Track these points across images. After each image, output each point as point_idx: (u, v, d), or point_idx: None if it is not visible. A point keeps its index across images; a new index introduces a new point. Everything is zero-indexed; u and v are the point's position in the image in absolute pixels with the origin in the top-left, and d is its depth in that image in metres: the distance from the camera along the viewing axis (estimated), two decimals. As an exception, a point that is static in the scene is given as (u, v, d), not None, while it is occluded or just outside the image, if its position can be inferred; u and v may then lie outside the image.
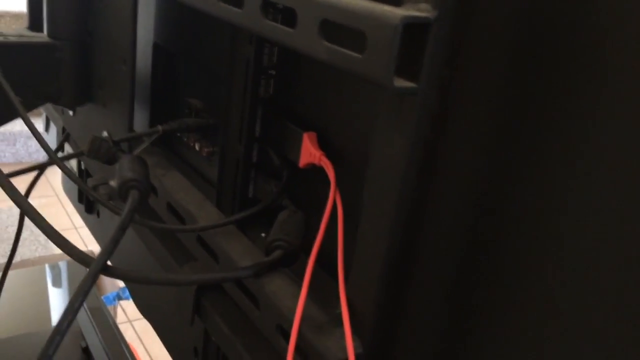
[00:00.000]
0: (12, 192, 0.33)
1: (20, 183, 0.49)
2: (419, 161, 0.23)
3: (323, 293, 0.30)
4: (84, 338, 1.01)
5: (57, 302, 1.32)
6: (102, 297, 1.34)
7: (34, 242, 2.52)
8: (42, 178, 0.93)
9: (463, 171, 0.23)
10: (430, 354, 0.26)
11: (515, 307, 0.22)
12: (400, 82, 0.21)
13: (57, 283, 1.44)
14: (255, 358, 0.33)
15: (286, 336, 0.28)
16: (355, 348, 0.25)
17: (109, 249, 0.29)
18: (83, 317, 1.05)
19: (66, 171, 0.42)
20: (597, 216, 0.19)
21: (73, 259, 0.29)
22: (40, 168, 0.46)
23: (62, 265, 1.43)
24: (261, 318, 0.30)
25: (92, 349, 0.95)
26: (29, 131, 0.41)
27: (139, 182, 0.34)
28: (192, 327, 0.47)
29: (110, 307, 1.43)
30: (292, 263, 0.32)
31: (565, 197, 0.20)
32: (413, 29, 0.20)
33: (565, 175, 0.20)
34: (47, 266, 1.43)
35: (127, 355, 0.93)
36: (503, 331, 0.23)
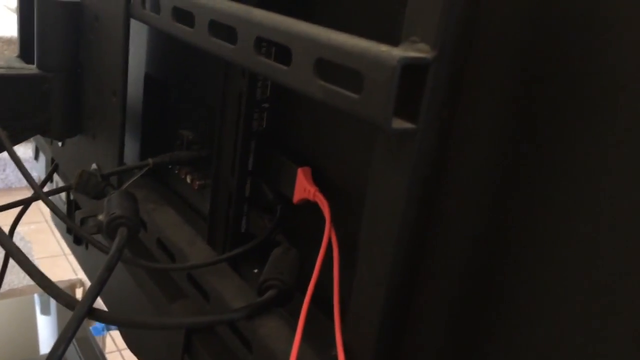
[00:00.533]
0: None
1: (8, 213, 0.48)
2: (418, 202, 0.22)
3: (319, 334, 0.29)
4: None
5: (45, 330, 1.30)
6: (91, 328, 1.32)
7: (22, 270, 2.43)
8: (33, 204, 0.91)
9: (463, 211, 0.23)
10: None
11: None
12: (399, 124, 0.20)
13: (45, 311, 1.42)
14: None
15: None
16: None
17: (95, 291, 0.28)
18: (70, 348, 1.03)
19: (52, 207, 0.41)
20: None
21: (58, 302, 0.28)
22: (26, 202, 0.45)
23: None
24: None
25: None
26: (19, 157, 0.40)
27: (128, 218, 0.33)
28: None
29: (99, 337, 1.40)
30: (286, 303, 0.31)
31: (570, 239, 0.20)
32: (411, 70, 0.20)
33: (568, 221, 0.20)
34: (35, 295, 1.41)
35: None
36: None
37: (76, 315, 0.27)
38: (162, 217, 0.39)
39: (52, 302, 1.40)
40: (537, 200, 0.20)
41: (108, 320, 0.28)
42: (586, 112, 0.19)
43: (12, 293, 1.65)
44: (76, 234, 0.47)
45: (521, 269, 0.21)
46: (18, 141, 0.45)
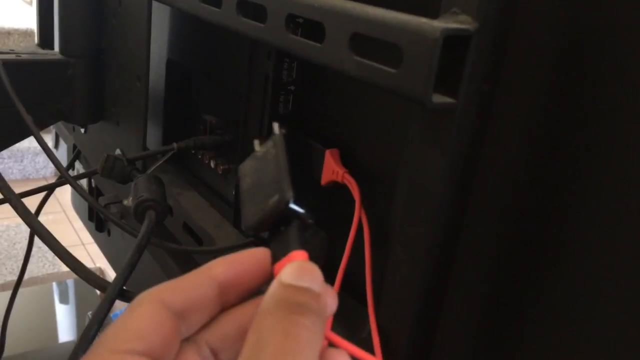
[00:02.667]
0: (25, 214, 0.32)
1: (28, 201, 0.48)
2: (457, 180, 0.22)
3: (348, 316, 0.29)
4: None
5: (64, 319, 1.31)
6: (111, 315, 1.33)
7: (42, 259, 2.51)
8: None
9: (502, 189, 0.22)
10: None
11: (553, 337, 0.21)
12: (439, 98, 0.20)
13: (64, 300, 1.43)
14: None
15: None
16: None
17: (125, 273, 0.28)
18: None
19: (79, 190, 0.41)
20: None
21: (89, 284, 0.28)
22: (52, 187, 0.45)
23: (69, 282, 1.42)
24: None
25: None
26: (36, 148, 0.41)
27: (156, 201, 0.33)
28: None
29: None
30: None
31: (608, 206, 0.19)
32: (452, 42, 0.19)
33: (609, 186, 0.19)
34: (54, 284, 1.42)
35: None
36: None
37: (108, 296, 0.27)
38: (188, 201, 0.38)
39: (71, 291, 1.42)
40: (578, 180, 0.20)
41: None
42: (633, 86, 0.18)
43: (31, 282, 1.67)
44: (105, 217, 0.47)
45: (559, 248, 0.21)
46: (43, 127, 0.45)
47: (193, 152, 0.47)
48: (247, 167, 0.24)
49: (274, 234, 0.21)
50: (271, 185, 0.22)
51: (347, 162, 0.33)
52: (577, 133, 0.20)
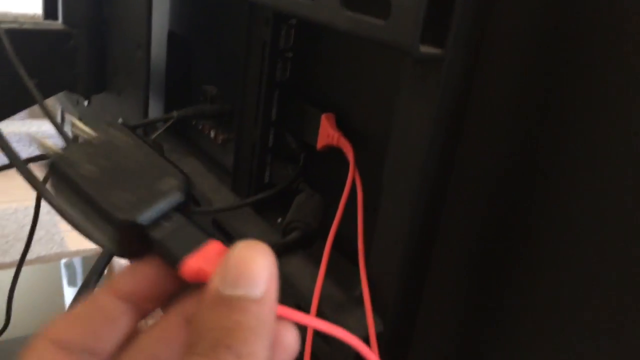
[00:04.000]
0: (29, 177, 0.32)
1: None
2: (444, 133, 0.22)
3: (342, 276, 0.29)
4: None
5: (71, 299, 1.30)
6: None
7: (50, 242, 2.53)
8: None
9: (489, 144, 0.23)
10: (452, 334, 0.26)
11: (542, 291, 0.22)
12: (426, 49, 0.20)
13: (72, 282, 1.43)
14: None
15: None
16: (376, 326, 0.25)
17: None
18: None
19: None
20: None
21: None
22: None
23: (77, 263, 1.42)
24: (280, 299, 0.30)
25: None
26: (45, 132, 0.41)
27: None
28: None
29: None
30: (309, 245, 0.31)
31: (593, 171, 0.20)
32: (439, -7, 0.20)
33: (595, 145, 0.20)
34: (62, 265, 1.42)
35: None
36: (527, 315, 0.22)
37: (106, 251, 0.28)
38: (187, 167, 0.39)
39: (79, 274, 1.43)
40: (569, 134, 0.20)
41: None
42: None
43: (39, 260, 1.68)
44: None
45: (548, 206, 0.21)
46: (46, 96, 0.46)
47: (194, 123, 0.48)
48: (81, 154, 0.20)
49: (155, 230, 0.18)
50: (153, 174, 0.19)
51: (342, 126, 0.34)
52: (567, 87, 0.20)
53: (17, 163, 0.32)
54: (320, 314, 0.26)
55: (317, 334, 0.27)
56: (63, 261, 1.38)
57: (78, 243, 2.06)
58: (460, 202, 0.24)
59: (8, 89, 0.38)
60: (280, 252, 0.30)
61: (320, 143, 0.34)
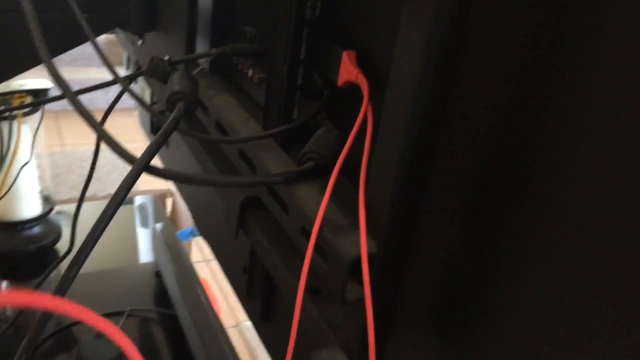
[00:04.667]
0: (78, 106, 0.36)
1: (117, 128, 0.52)
2: (436, 62, 0.23)
3: (348, 202, 0.31)
4: (157, 265, 1.08)
5: (144, 242, 1.35)
6: (178, 233, 1.42)
7: (119, 179, 2.62)
8: (134, 123, 0.99)
9: (484, 77, 0.23)
10: (445, 258, 0.27)
11: (538, 218, 0.22)
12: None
13: (144, 224, 1.49)
14: (290, 268, 0.35)
15: (309, 237, 0.30)
16: (369, 248, 0.27)
17: (152, 149, 0.31)
18: (157, 247, 1.13)
19: (135, 95, 0.45)
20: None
21: (119, 156, 0.32)
22: (106, 85, 0.49)
23: (149, 207, 1.48)
24: (288, 222, 0.32)
25: (163, 273, 1.02)
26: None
27: (186, 94, 0.36)
28: (241, 245, 0.50)
29: (185, 243, 1.51)
30: (322, 176, 0.33)
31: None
32: None
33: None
34: (136, 208, 1.46)
35: (196, 282, 0.99)
36: (524, 245, 0.23)
37: (135, 168, 0.31)
38: (221, 102, 0.41)
39: (150, 216, 1.49)
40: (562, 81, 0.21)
41: (163, 175, 0.31)
42: None
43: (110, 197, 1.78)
44: (158, 121, 0.51)
45: (546, 133, 0.21)
46: (99, 33, 0.49)
47: (235, 62, 0.50)
48: None
49: None
50: None
51: (363, 64, 0.34)
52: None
53: (77, 105, 0.35)
54: (321, 236, 0.28)
55: (317, 252, 0.29)
56: (137, 204, 1.45)
57: (149, 184, 2.17)
58: (457, 133, 0.25)
59: (61, 25, 0.41)
60: (293, 179, 0.32)
61: (341, 79, 0.35)
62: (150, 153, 0.31)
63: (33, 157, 1.08)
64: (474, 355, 0.26)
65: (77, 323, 0.97)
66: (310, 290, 0.34)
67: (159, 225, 1.08)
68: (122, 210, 1.48)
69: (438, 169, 0.26)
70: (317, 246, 0.29)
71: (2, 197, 1.00)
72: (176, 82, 0.36)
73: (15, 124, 0.98)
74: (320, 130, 0.35)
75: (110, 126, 0.47)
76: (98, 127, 0.33)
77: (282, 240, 0.36)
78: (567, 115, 0.20)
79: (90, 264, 1.07)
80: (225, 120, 0.40)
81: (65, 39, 0.44)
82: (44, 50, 0.36)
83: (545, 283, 0.21)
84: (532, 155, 0.22)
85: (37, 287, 0.88)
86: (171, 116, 0.34)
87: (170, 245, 1.02)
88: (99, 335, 0.91)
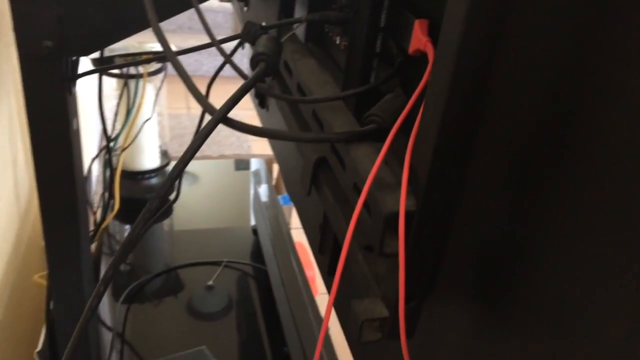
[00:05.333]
0: (177, 65, 0.40)
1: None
2: (480, 28, 0.24)
3: (401, 154, 0.32)
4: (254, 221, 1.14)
5: (254, 202, 1.41)
6: (280, 197, 1.49)
7: (239, 147, 2.83)
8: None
9: (532, 41, 0.24)
10: (486, 222, 0.28)
11: (582, 187, 0.22)
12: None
13: (257, 182, 1.55)
14: (348, 223, 0.37)
15: (360, 193, 0.32)
16: (408, 205, 0.28)
17: (229, 104, 0.35)
18: (257, 207, 1.19)
19: (223, 53, 0.49)
20: None
21: (202, 106, 0.35)
22: (204, 47, 0.53)
23: (262, 169, 1.55)
24: (344, 179, 0.34)
25: (260, 231, 1.08)
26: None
27: (268, 56, 0.39)
28: (317, 205, 0.53)
29: (287, 207, 1.57)
30: (383, 139, 0.35)
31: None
32: None
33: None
34: (251, 172, 1.53)
35: (288, 243, 1.04)
36: (566, 214, 0.23)
37: (214, 118, 0.34)
38: (304, 66, 0.44)
39: (262, 181, 1.56)
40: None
41: (241, 127, 0.34)
42: None
43: (224, 157, 1.91)
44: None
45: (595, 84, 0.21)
46: (202, 0, 0.53)
47: (327, 30, 0.52)
48: None
49: None
50: None
51: (433, 34, 0.35)
52: None
53: (167, 52, 0.39)
54: (369, 193, 0.30)
55: (366, 208, 0.31)
56: (252, 169, 1.51)
57: (261, 149, 2.27)
58: (503, 98, 0.26)
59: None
60: (353, 139, 0.34)
61: (412, 47, 0.36)
62: (227, 106, 0.35)
63: (155, 115, 1.19)
64: (505, 321, 0.26)
65: (185, 266, 1.06)
66: (363, 246, 0.36)
67: (260, 188, 1.15)
68: (240, 174, 1.55)
69: (484, 133, 0.27)
70: (366, 202, 0.31)
71: (127, 147, 1.11)
72: (261, 44, 0.39)
73: (140, 82, 1.08)
74: (388, 96, 0.37)
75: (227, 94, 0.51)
76: (189, 82, 0.37)
77: (345, 198, 0.38)
78: (615, 81, 0.20)
79: (207, 222, 1.15)
80: (304, 83, 0.42)
81: (172, 4, 0.49)
82: (152, 13, 0.41)
83: (586, 254, 0.22)
84: (580, 121, 0.22)
85: (147, 228, 0.97)
86: (251, 76, 0.37)
87: (268, 207, 1.08)
88: (210, 287, 0.99)
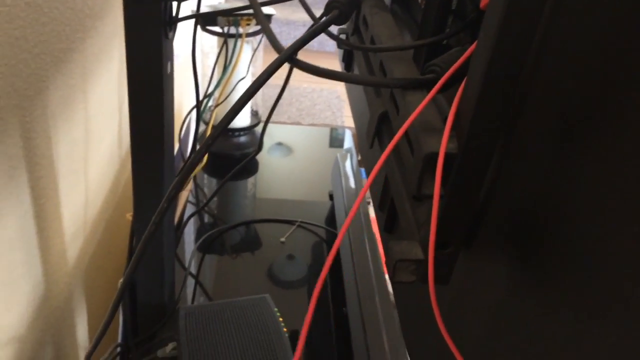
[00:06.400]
0: (260, 17, 0.42)
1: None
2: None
3: (450, 98, 0.32)
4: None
5: (336, 168, 1.43)
6: (362, 169, 1.50)
7: (332, 122, 2.86)
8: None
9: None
10: (529, 173, 0.28)
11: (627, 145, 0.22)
12: None
13: (342, 153, 1.57)
14: (401, 173, 0.38)
15: (409, 138, 0.32)
16: (450, 148, 0.29)
17: (296, 45, 0.36)
18: (334, 172, 1.21)
19: (310, 13, 0.51)
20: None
21: (272, 46, 0.37)
22: (282, 0, 0.55)
23: (349, 138, 1.56)
24: (396, 121, 0.35)
25: (335, 196, 1.10)
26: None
27: (342, 4, 0.40)
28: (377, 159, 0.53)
29: (364, 180, 1.58)
30: (442, 90, 0.35)
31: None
32: None
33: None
34: (338, 154, 1.55)
35: (362, 211, 1.06)
36: (610, 171, 0.23)
37: (280, 57, 0.36)
38: (379, 20, 0.45)
39: (348, 137, 1.56)
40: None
41: (305, 67, 0.36)
42: None
43: (315, 125, 1.93)
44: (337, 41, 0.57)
45: None
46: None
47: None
48: None
49: None
50: None
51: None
52: None
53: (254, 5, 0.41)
54: (414, 133, 0.31)
55: (411, 152, 0.31)
56: (343, 139, 1.53)
57: (350, 123, 2.27)
58: (551, 46, 0.25)
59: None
60: (410, 86, 0.34)
61: (483, 2, 0.36)
62: (294, 47, 0.36)
63: (249, 75, 1.23)
64: (542, 277, 0.26)
65: (261, 221, 1.10)
66: (412, 196, 0.37)
67: (339, 153, 1.16)
68: (329, 143, 1.56)
69: (530, 83, 0.27)
70: (410, 144, 0.31)
71: (220, 104, 1.17)
72: (339, -6, 0.41)
73: (239, 42, 1.13)
74: (454, 49, 0.37)
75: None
76: (265, 24, 0.39)
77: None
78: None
79: (289, 184, 1.18)
80: (377, 35, 0.43)
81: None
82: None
83: (625, 211, 0.21)
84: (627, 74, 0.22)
85: (226, 180, 1.02)
86: (322, 20, 0.38)
87: (343, 173, 1.10)
88: (291, 257, 1.03)
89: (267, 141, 1.42)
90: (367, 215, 1.03)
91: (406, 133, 0.34)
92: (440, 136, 0.29)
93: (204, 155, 0.39)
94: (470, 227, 0.32)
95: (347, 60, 0.78)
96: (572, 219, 0.24)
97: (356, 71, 0.73)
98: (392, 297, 0.91)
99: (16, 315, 0.73)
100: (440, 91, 0.36)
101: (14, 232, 0.69)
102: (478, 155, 0.29)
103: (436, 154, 0.28)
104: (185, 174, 0.37)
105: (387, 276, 0.92)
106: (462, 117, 0.29)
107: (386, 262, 0.34)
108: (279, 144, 1.42)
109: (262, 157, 1.38)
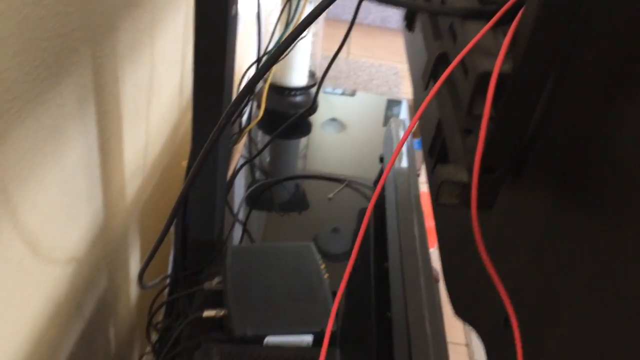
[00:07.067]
0: None
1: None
2: None
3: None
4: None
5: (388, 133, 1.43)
6: (414, 140, 1.50)
7: (389, 95, 2.85)
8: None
9: None
10: (581, 109, 0.28)
11: None
12: None
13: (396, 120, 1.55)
14: (452, 107, 0.38)
15: (465, 67, 0.33)
16: (504, 68, 0.29)
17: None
18: (386, 139, 1.21)
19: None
20: None
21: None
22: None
23: (405, 109, 1.55)
24: (454, 50, 0.35)
25: (384, 161, 1.11)
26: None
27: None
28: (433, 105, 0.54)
29: (417, 152, 1.58)
30: (502, 23, 0.35)
31: None
32: None
33: None
34: (392, 120, 1.55)
35: (410, 175, 1.06)
36: None
37: (308, 17, 0.37)
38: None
39: (404, 108, 1.55)
40: None
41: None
42: None
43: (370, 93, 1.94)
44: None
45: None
46: None
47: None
48: None
49: None
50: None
51: None
52: None
53: None
54: (469, 54, 0.31)
55: (463, 70, 0.32)
56: (403, 114, 1.51)
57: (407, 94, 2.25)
58: None
59: None
60: (470, 16, 0.35)
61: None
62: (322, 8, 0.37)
63: (310, 35, 1.24)
64: (586, 206, 0.27)
65: (310, 177, 1.12)
66: (464, 130, 0.38)
67: (392, 121, 1.17)
68: (385, 111, 1.56)
69: (589, 18, 0.27)
70: (465, 68, 0.32)
71: (279, 61, 1.18)
72: None
73: (302, 0, 1.14)
74: None
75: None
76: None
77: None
78: None
79: (341, 145, 1.19)
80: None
81: None
82: None
83: None
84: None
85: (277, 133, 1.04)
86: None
87: (396, 136, 1.10)
88: (336, 230, 1.05)
89: (322, 113, 1.43)
90: (416, 185, 1.03)
91: (462, 62, 0.34)
92: (495, 58, 0.30)
93: (266, 71, 0.41)
94: (520, 155, 0.33)
95: (409, 19, 0.78)
96: (616, 157, 0.25)
97: (418, 30, 0.73)
98: (433, 263, 0.92)
99: (76, 239, 0.77)
100: (499, 24, 0.36)
101: (80, 158, 0.73)
102: (532, 79, 0.29)
103: (489, 73, 0.29)
104: (246, 89, 0.39)
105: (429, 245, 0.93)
106: (519, 41, 0.29)
107: (430, 186, 0.35)
108: (333, 119, 1.43)
109: (315, 120, 1.40)
